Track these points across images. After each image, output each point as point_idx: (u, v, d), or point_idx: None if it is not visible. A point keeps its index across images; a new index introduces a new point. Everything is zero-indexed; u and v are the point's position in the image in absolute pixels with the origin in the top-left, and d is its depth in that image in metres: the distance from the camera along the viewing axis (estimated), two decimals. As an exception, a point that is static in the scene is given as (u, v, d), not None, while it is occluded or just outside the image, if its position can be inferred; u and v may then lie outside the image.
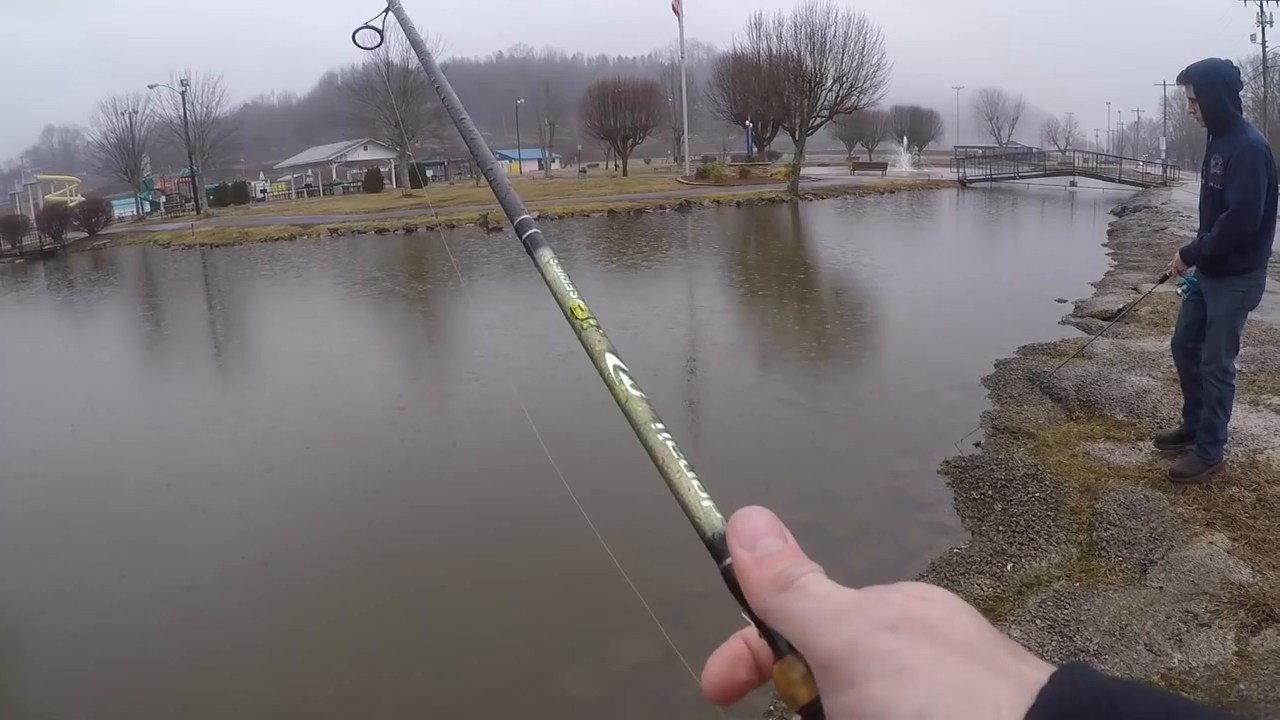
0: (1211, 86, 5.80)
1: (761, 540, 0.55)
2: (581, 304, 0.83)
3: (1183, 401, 6.92)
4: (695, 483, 0.63)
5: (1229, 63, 5.98)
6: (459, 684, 5.16)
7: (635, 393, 0.71)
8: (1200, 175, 6.28)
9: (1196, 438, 6.40)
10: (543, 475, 7.47)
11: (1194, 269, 6.32)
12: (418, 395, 11.85)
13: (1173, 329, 11.12)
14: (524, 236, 0.97)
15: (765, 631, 0.55)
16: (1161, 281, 7.22)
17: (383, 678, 5.24)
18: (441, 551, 6.96)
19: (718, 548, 0.59)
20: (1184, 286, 6.31)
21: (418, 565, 6.68)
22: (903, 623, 0.47)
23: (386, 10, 1.79)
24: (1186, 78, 5.93)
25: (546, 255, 0.92)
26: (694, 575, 5.67)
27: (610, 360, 0.75)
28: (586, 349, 0.78)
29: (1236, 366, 6.42)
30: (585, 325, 0.80)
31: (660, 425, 0.68)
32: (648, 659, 5.08)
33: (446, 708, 4.98)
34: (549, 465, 7.29)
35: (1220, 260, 5.97)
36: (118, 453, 10.01)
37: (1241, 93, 6.06)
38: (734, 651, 0.58)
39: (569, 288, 0.85)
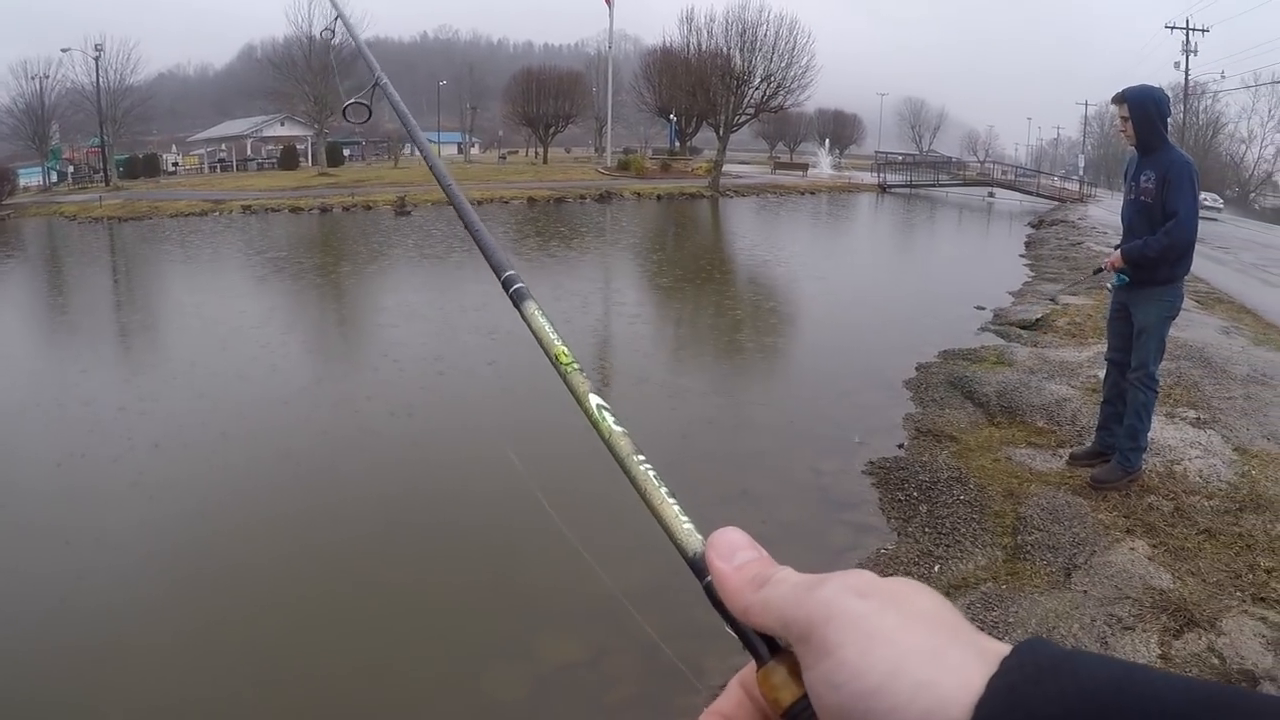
0: (1144, 108, 6.15)
1: (738, 553, 0.59)
2: (565, 350, 0.87)
3: (1099, 416, 7.07)
4: (676, 507, 0.66)
5: (1161, 89, 6.41)
6: (378, 687, 4.97)
7: (618, 429, 0.74)
8: (1126, 190, 6.51)
9: (1118, 444, 6.56)
10: (470, 467, 7.40)
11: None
12: (337, 382, 11.61)
13: (1090, 341, 11.36)
14: (510, 291, 1.01)
15: (747, 641, 0.58)
16: (1096, 273, 7.38)
17: (298, 679, 5.05)
18: (359, 546, 6.69)
19: (699, 567, 0.62)
20: (1115, 283, 6.50)
21: (337, 559, 6.44)
22: (871, 590, 0.50)
23: (374, 85, 1.85)
24: (1121, 98, 6.28)
25: (532, 307, 0.96)
26: (625, 575, 5.65)
27: (594, 400, 0.79)
28: (571, 390, 0.82)
29: (1161, 375, 6.62)
30: (569, 369, 0.85)
31: (642, 457, 0.71)
32: (575, 659, 5.01)
33: (366, 712, 4.83)
34: (477, 458, 7.18)
35: (1148, 271, 6.20)
36: (14, 429, 9.60)
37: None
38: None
39: (553, 336, 0.90)
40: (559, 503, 6.68)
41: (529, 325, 0.93)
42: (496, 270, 1.06)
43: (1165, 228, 6.02)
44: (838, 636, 0.49)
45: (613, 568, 5.63)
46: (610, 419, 0.75)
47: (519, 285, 1.00)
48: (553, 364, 0.86)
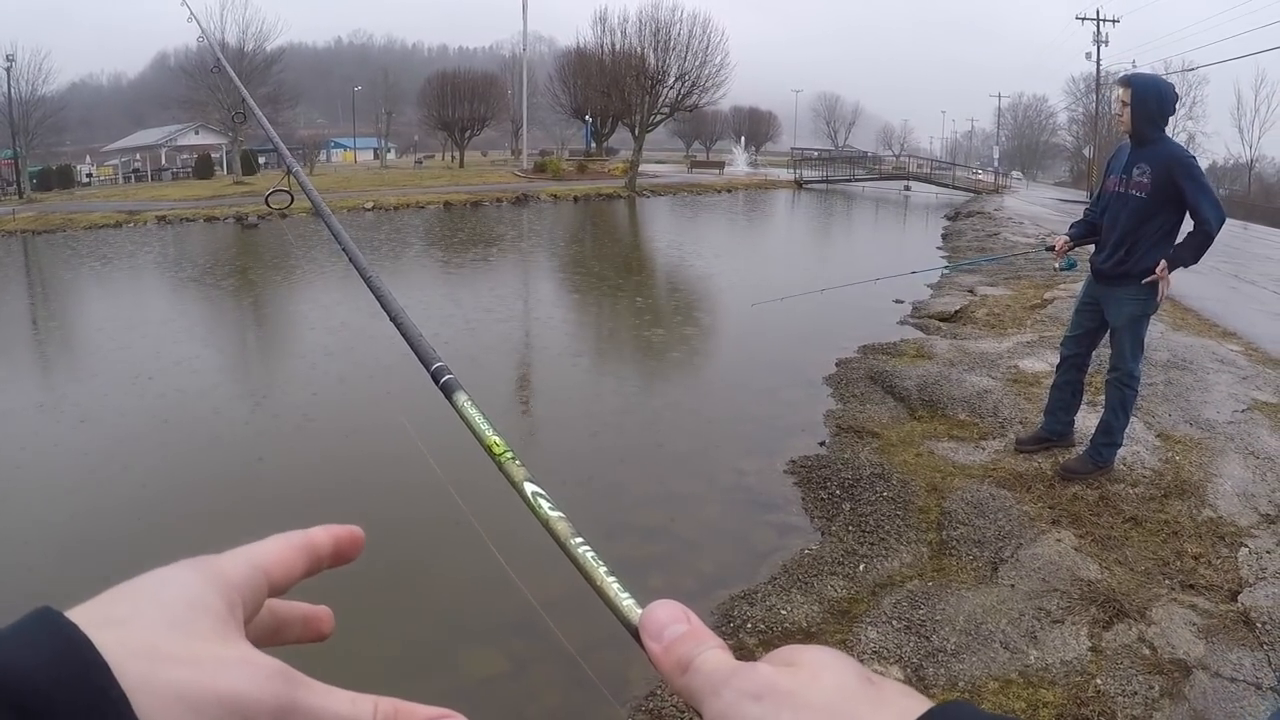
0: (1146, 102, 5.82)
1: (667, 629, 0.58)
2: (498, 440, 0.87)
3: (1048, 400, 7.06)
4: (616, 585, 0.67)
5: (1170, 85, 6.08)
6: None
7: (554, 514, 0.75)
8: (1113, 181, 6.14)
9: (1093, 438, 6.49)
10: (399, 473, 7.14)
11: (1070, 253, 6.65)
12: (255, 390, 11.26)
13: (1010, 331, 11.36)
14: (440, 383, 1.01)
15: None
16: (1046, 250, 7.23)
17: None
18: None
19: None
20: (1062, 267, 6.48)
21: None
22: (766, 692, 0.50)
23: (286, 173, 2.03)
24: (1127, 83, 5.98)
25: (462, 398, 0.96)
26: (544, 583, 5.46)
27: (529, 488, 0.79)
28: (508, 478, 0.82)
29: (1142, 372, 6.46)
30: (504, 458, 0.85)
31: (580, 539, 0.72)
32: (497, 670, 4.85)
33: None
34: (402, 460, 6.90)
35: (1119, 267, 6.03)
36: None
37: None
38: None
39: (485, 426, 0.90)
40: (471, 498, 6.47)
41: (461, 417, 0.93)
42: (425, 362, 1.06)
43: (1202, 229, 5.75)
44: None
45: (531, 576, 5.45)
46: (546, 505, 0.76)
47: (449, 377, 1.00)
48: (487, 453, 0.86)
